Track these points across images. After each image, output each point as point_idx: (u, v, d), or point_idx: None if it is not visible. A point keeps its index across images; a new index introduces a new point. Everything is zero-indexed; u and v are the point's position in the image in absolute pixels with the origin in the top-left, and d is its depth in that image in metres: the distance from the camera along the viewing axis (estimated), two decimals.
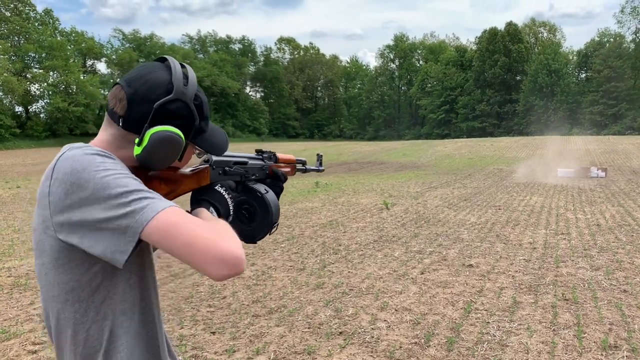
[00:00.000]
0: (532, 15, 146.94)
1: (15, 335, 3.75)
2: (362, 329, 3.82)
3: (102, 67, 75.43)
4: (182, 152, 1.08)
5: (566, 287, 4.81)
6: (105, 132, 1.05)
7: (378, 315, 4.11)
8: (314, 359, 3.35)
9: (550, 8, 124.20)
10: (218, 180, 1.19)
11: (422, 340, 3.60)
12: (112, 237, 0.90)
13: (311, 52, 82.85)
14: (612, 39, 59.34)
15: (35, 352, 3.47)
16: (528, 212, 9.37)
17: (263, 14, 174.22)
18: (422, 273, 5.35)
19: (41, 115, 52.34)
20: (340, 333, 3.76)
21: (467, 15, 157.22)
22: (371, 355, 3.38)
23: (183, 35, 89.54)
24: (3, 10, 50.11)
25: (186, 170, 1.16)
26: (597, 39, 60.90)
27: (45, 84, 50.73)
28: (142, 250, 1.05)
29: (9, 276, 5.41)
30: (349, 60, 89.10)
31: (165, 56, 1.10)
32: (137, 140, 1.01)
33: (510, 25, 64.55)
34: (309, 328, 3.87)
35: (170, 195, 1.10)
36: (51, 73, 51.30)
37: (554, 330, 3.78)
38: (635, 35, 59.16)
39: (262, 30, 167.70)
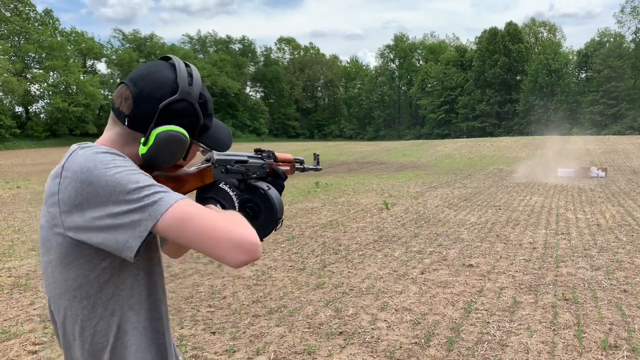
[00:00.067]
0: (532, 15, 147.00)
1: (15, 335, 3.76)
2: (362, 329, 3.82)
3: (102, 67, 75.54)
4: (187, 151, 1.09)
5: (566, 287, 4.81)
6: (111, 131, 1.06)
7: (378, 315, 4.11)
8: (314, 359, 3.35)
9: (550, 8, 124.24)
10: (221, 178, 1.21)
11: (422, 340, 3.60)
12: (125, 231, 0.91)
13: (311, 52, 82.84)
14: (612, 39, 59.33)
15: (35, 352, 3.47)
16: (528, 212, 9.37)
17: (263, 14, 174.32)
18: (422, 273, 5.36)
19: (41, 116, 52.39)
20: (341, 333, 3.76)
21: (467, 15, 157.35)
22: (371, 355, 3.38)
23: (183, 35, 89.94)
24: (3, 11, 50.12)
25: (190, 169, 1.18)
26: (597, 38, 60.89)
27: (45, 84, 50.74)
28: (150, 247, 1.06)
29: (9, 276, 5.41)
30: (349, 60, 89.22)
31: (169, 55, 1.11)
32: (142, 139, 1.02)
33: (510, 25, 64.54)
34: (309, 328, 3.87)
35: None
36: (51, 73, 51.31)
37: (554, 330, 3.78)
38: (635, 35, 59.18)
39: (262, 30, 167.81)
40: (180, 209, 0.92)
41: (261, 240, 1.29)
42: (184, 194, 1.14)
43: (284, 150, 1.51)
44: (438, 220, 8.62)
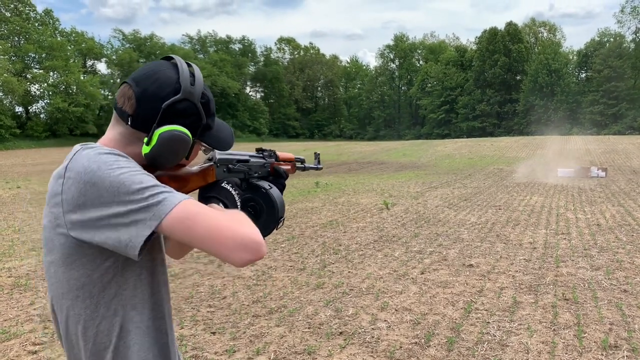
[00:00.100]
0: (532, 15, 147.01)
1: (15, 335, 3.76)
2: (363, 329, 3.82)
3: (102, 67, 75.49)
4: (190, 150, 1.10)
5: (566, 287, 4.81)
6: (114, 130, 1.07)
7: (378, 315, 4.11)
8: (314, 359, 3.35)
9: (550, 8, 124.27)
10: (223, 177, 1.21)
11: (422, 340, 3.60)
12: (128, 230, 0.92)
13: (311, 52, 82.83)
14: (612, 39, 59.32)
15: (35, 352, 3.47)
16: (528, 212, 9.37)
17: (263, 14, 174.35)
18: (422, 273, 5.36)
19: (41, 116, 52.37)
20: (341, 333, 3.76)
21: (467, 15, 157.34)
22: (371, 355, 3.38)
23: (183, 35, 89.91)
24: (3, 11, 50.13)
25: (193, 168, 1.19)
26: (597, 38, 60.88)
27: (46, 84, 50.74)
28: (153, 247, 1.06)
29: (9, 276, 5.41)
30: (349, 60, 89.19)
31: (171, 55, 1.11)
32: (145, 139, 1.02)
33: (510, 25, 64.53)
34: (309, 328, 3.87)
35: None
36: (51, 73, 51.31)
37: (554, 330, 3.78)
38: (635, 35, 59.17)
39: (262, 30, 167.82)
40: (185, 208, 0.92)
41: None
42: (187, 193, 1.15)
43: (285, 150, 1.51)
44: (438, 220, 8.62)
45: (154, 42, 66.36)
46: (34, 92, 51.56)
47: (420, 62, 78.51)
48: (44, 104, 52.15)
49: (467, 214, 9.28)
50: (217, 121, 1.16)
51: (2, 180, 18.17)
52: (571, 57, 64.65)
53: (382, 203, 10.38)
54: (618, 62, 55.43)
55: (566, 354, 3.37)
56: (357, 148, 37.55)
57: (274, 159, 1.38)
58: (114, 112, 1.07)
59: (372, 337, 3.68)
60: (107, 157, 0.96)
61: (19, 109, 50.75)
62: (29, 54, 51.12)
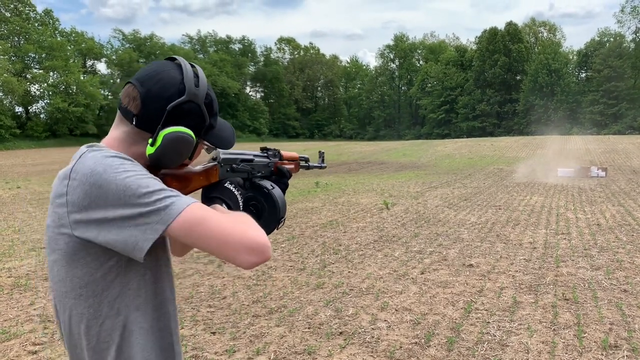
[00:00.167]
0: (532, 15, 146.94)
1: (15, 335, 3.76)
2: (363, 329, 3.82)
3: (102, 67, 75.52)
4: (193, 150, 1.11)
5: (566, 287, 4.81)
6: (118, 130, 1.08)
7: (378, 315, 4.11)
8: (314, 359, 3.35)
9: (550, 8, 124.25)
10: (226, 177, 1.22)
11: (423, 340, 3.60)
12: (134, 234, 0.92)
13: (311, 52, 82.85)
14: (612, 39, 59.33)
15: (35, 352, 3.47)
16: (528, 212, 9.37)
17: (263, 14, 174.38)
18: (422, 273, 5.35)
19: (41, 116, 52.41)
20: (341, 333, 3.76)
21: (467, 15, 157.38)
22: (371, 355, 3.38)
23: (183, 35, 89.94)
24: (3, 11, 50.15)
25: (196, 167, 1.19)
26: (597, 38, 60.90)
27: (45, 84, 50.76)
28: (157, 247, 1.06)
29: (9, 277, 5.41)
30: (349, 60, 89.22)
31: (174, 56, 1.12)
32: (150, 140, 1.03)
33: (510, 25, 64.53)
34: (309, 328, 3.87)
35: (181, 193, 1.12)
36: (51, 73, 51.34)
37: (554, 330, 3.78)
38: (635, 34, 59.18)
39: (262, 30, 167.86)
40: (192, 213, 0.93)
41: None
42: (190, 192, 1.16)
43: (287, 149, 1.51)
44: (438, 220, 8.62)
45: (154, 42, 66.37)
46: (34, 92, 51.65)
47: (420, 62, 78.52)
48: (44, 104, 52.28)
49: (467, 213, 9.28)
50: (219, 120, 1.17)
51: (2, 181, 18.17)
52: (571, 57, 64.66)
53: (382, 203, 10.38)
54: (618, 62, 55.44)
55: (566, 353, 3.37)
56: (357, 148, 37.55)
57: (278, 158, 1.39)
58: (118, 111, 1.08)
59: (372, 337, 3.68)
60: (113, 160, 0.96)
61: (19, 109, 50.85)
62: (29, 54, 51.16)
